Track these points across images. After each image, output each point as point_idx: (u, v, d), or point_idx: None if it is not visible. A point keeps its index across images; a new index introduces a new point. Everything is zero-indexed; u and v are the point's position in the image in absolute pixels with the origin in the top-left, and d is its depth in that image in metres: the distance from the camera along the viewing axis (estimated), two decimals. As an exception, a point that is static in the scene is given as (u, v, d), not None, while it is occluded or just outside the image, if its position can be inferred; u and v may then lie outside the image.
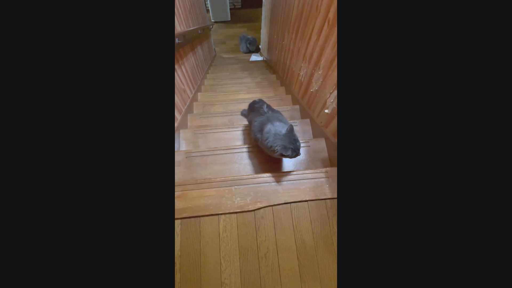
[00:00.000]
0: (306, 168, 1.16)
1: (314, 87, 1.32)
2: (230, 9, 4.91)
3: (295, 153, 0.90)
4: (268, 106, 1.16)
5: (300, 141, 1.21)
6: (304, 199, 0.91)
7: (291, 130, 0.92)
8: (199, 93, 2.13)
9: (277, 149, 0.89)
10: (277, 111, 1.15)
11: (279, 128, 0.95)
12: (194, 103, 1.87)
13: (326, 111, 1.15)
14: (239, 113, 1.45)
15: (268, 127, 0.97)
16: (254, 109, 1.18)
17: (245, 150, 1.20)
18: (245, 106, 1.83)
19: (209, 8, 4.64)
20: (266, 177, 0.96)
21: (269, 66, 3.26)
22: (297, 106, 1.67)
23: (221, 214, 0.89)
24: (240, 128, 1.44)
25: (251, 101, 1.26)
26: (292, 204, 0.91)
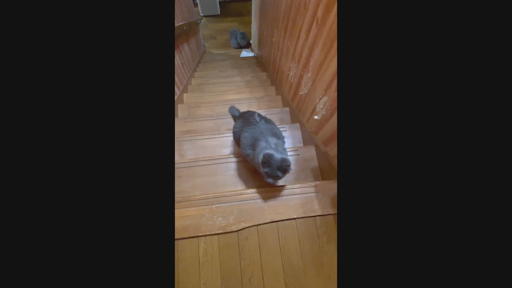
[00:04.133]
0: (296, 178, 1.09)
1: (303, 90, 1.24)
2: (220, 2, 4.74)
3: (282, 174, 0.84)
4: (260, 115, 1.07)
5: (289, 149, 1.15)
6: (292, 217, 0.84)
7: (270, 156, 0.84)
8: (184, 94, 2.02)
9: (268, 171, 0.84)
10: (270, 121, 1.07)
11: (274, 147, 0.88)
12: (179, 105, 1.77)
13: (316, 117, 1.07)
14: (226, 116, 1.36)
15: (262, 145, 0.89)
16: (244, 117, 1.09)
17: (231, 160, 1.12)
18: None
19: (197, 1, 4.47)
20: (251, 193, 0.88)
21: (260, 63, 3.15)
22: (287, 109, 1.59)
23: (201, 236, 0.81)
24: (227, 134, 1.35)
25: (239, 102, 1.18)
26: (279, 222, 0.84)
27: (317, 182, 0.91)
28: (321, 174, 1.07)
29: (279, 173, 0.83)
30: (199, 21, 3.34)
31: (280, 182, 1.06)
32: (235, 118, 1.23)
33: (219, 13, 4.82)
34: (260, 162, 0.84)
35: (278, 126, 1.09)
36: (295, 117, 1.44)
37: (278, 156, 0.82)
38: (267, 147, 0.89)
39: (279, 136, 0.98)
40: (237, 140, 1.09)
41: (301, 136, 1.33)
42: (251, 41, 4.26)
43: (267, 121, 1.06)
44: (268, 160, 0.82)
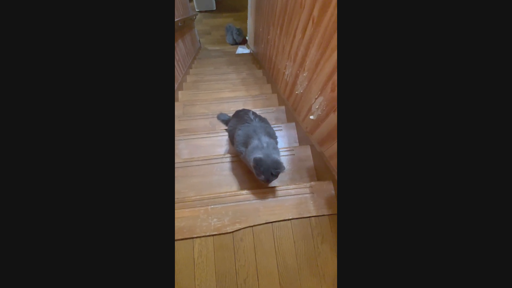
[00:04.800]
0: (291, 178, 1.09)
1: (299, 89, 1.23)
2: (215, -3, 4.66)
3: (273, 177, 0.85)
4: (254, 113, 1.07)
5: (285, 149, 1.14)
6: (287, 218, 0.84)
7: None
8: (179, 92, 1.99)
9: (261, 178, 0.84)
10: (264, 119, 1.07)
11: (265, 146, 0.88)
12: (174, 103, 1.74)
13: (311, 117, 1.07)
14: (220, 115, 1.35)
15: (255, 143, 0.89)
16: (238, 116, 1.09)
17: (226, 160, 1.11)
18: (228, 105, 1.73)
19: (193, -4, 4.39)
20: (246, 194, 0.88)
21: (255, 59, 3.13)
22: (283, 107, 1.58)
23: (196, 237, 0.81)
24: (222, 133, 1.34)
25: (234, 100, 1.17)
26: (274, 223, 0.84)
27: (312, 183, 0.91)
28: (316, 174, 1.08)
29: (273, 178, 0.85)
30: (194, 17, 3.28)
31: (276, 183, 1.06)
32: (226, 122, 1.22)
33: (214, 8, 4.74)
34: (252, 166, 0.85)
35: (273, 125, 1.09)
36: (290, 116, 1.44)
37: (269, 160, 0.83)
38: (258, 146, 0.89)
39: (272, 136, 0.98)
40: (231, 138, 1.09)
41: (296, 136, 1.33)
42: (247, 38, 4.22)
43: (262, 119, 1.05)
44: (258, 166, 0.83)
